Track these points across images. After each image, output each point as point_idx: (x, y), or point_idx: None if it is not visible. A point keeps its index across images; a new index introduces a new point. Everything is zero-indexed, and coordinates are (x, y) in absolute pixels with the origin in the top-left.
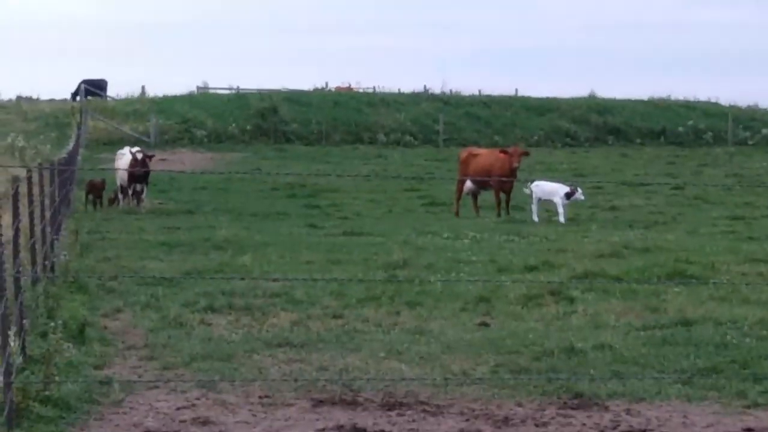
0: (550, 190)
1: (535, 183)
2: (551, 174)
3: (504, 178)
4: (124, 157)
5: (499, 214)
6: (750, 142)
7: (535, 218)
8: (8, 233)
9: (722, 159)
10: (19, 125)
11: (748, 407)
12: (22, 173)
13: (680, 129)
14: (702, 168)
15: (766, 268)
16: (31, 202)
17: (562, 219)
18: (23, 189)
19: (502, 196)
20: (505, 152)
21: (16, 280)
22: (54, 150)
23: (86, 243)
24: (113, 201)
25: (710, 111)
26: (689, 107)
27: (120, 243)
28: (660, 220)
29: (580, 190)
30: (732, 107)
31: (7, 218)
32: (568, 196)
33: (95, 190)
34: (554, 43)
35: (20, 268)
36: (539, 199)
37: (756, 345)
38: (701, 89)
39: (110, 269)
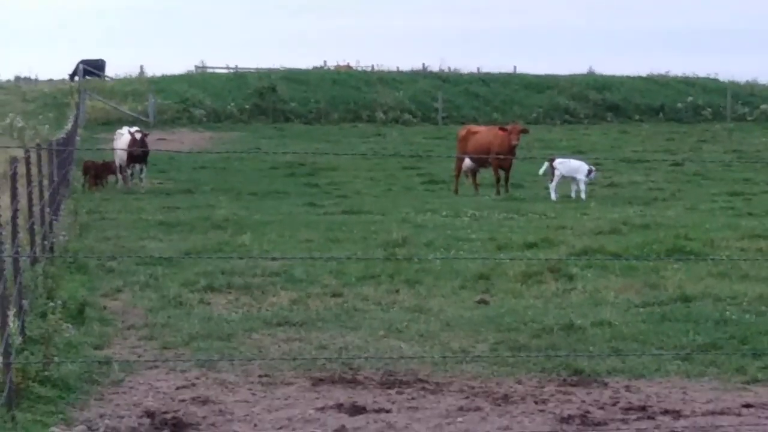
0: (575, 167)
1: (560, 160)
2: (550, 151)
3: (503, 156)
4: (123, 137)
5: (498, 192)
6: (749, 118)
7: (555, 196)
8: (6, 214)
9: (721, 135)
10: (18, 106)
11: (748, 383)
12: (21, 154)
13: (679, 105)
14: (701, 144)
15: (765, 244)
16: (29, 182)
17: (583, 196)
18: (21, 169)
19: (501, 173)
20: (504, 130)
21: (15, 261)
22: (53, 130)
23: (85, 223)
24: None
25: (709, 87)
26: (688, 83)
27: (119, 223)
28: (659, 196)
29: (594, 169)
30: (731, 83)
31: (6, 199)
32: (588, 173)
33: (93, 171)
34: (553, 20)
35: (19, 249)
36: (562, 177)
37: (755, 321)
38: (700, 65)
39: (109, 249)
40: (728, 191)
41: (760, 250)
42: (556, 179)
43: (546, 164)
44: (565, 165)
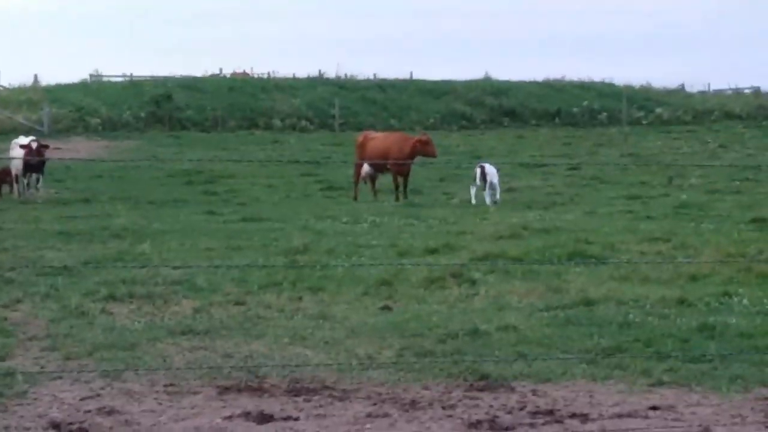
0: (494, 171)
1: (488, 165)
2: (449, 157)
3: (401, 162)
4: (18, 147)
5: (397, 198)
6: (644, 122)
7: (490, 201)
8: None
9: (617, 139)
10: None
11: (653, 385)
12: None
13: (575, 110)
14: (597, 148)
15: (664, 247)
16: None
17: (498, 198)
18: None
19: (400, 179)
20: (420, 141)
21: None
22: None
23: None
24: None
25: (604, 92)
26: (584, 88)
27: (17, 233)
28: (558, 200)
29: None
30: (626, 87)
31: None
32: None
33: None
34: (449, 25)
35: None
36: (491, 182)
37: (659, 323)
38: (595, 70)
39: (8, 260)
40: (626, 195)
41: (660, 253)
42: (488, 184)
43: (478, 170)
44: (492, 170)
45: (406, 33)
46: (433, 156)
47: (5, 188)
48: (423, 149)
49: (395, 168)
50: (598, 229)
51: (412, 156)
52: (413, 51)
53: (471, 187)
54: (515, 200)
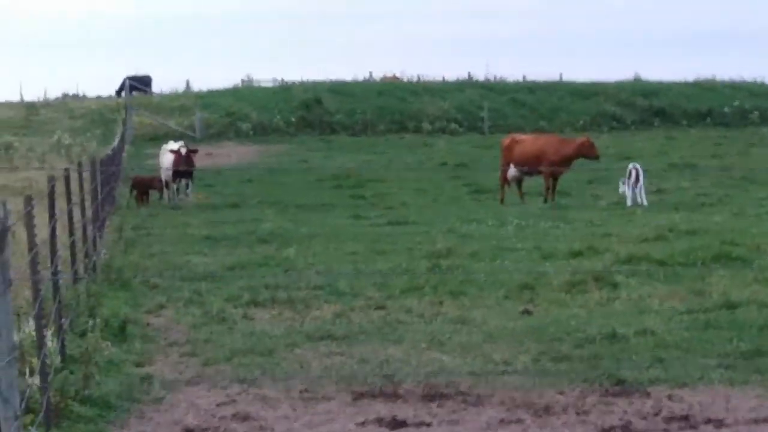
0: (642, 172)
1: (638, 166)
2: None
3: (556, 165)
4: (168, 152)
5: (546, 200)
6: None
7: (645, 201)
8: (45, 232)
9: None
10: (66, 123)
11: None
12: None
13: (726, 110)
14: (749, 148)
15: None
16: (69, 200)
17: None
18: (60, 187)
19: (551, 182)
20: (586, 144)
21: (54, 280)
22: (100, 147)
23: (131, 239)
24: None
25: (756, 91)
26: (735, 87)
27: (165, 238)
28: (706, 202)
29: None
30: None
31: (45, 217)
32: None
33: (141, 187)
34: (598, 26)
35: (58, 268)
36: (641, 184)
37: None
38: (746, 69)
39: (155, 265)
40: None
41: None
42: (641, 183)
43: (633, 171)
44: (640, 170)
45: (555, 34)
46: (596, 158)
47: (155, 194)
48: (588, 151)
49: (549, 171)
50: (745, 231)
51: (572, 158)
52: (563, 52)
53: (628, 188)
54: (663, 201)
